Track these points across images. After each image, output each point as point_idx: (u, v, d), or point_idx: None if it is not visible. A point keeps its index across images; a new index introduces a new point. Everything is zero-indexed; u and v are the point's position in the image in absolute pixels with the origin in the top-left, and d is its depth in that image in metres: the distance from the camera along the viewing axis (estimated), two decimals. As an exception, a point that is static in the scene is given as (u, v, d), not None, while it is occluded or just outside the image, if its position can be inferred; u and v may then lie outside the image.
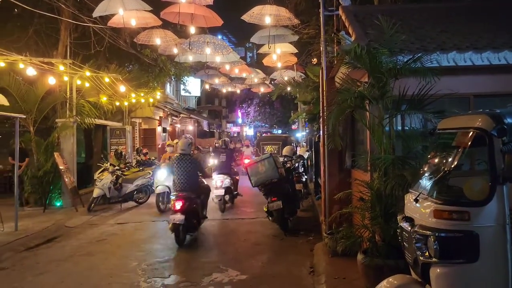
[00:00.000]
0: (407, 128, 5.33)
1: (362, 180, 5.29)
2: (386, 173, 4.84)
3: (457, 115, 3.89)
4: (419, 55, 4.95)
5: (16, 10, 13.09)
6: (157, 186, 11.33)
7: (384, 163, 4.74)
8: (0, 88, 10.59)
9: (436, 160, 3.78)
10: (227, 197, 11.15)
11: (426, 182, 3.59)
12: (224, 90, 24.41)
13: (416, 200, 3.43)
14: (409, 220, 3.49)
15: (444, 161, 3.56)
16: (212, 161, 12.78)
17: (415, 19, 6.91)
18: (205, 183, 9.17)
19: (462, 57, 5.45)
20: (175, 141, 13.98)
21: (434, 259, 3.09)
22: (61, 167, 11.21)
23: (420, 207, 3.39)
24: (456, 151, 3.39)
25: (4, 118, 12.31)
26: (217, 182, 10.94)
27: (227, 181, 11.07)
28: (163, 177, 11.24)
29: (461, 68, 5.46)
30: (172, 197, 8.08)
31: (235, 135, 44.44)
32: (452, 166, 3.34)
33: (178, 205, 7.75)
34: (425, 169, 3.84)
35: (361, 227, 5.08)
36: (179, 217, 7.61)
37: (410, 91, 4.84)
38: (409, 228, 3.40)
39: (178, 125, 26.28)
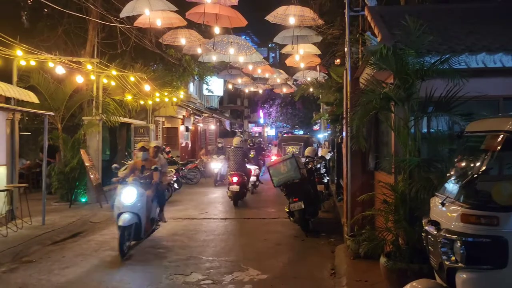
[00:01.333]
0: (433, 130, 5.24)
1: (386, 183, 5.22)
2: (411, 176, 4.78)
3: (486, 118, 3.82)
4: (447, 56, 4.85)
5: (46, 10, 13.51)
6: (120, 214, 6.98)
7: (409, 165, 4.68)
8: (30, 86, 10.89)
9: (464, 164, 3.72)
10: (257, 182, 14.85)
11: (453, 186, 3.53)
12: (246, 90, 24.55)
13: (443, 204, 3.39)
14: (435, 224, 3.45)
15: (472, 164, 3.49)
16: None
17: (443, 20, 6.77)
18: (248, 167, 13.03)
19: (491, 58, 5.31)
20: (153, 143, 9.42)
21: (460, 264, 3.04)
22: (86, 164, 11.46)
23: (446, 211, 3.34)
24: (484, 154, 3.33)
25: (33, 115, 12.69)
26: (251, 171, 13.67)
27: (257, 171, 14.82)
28: (131, 200, 7.02)
29: (490, 70, 5.33)
30: (229, 174, 11.81)
31: (256, 135, 44.55)
32: (481, 170, 3.27)
33: (235, 179, 11.51)
34: (452, 172, 3.78)
35: (384, 230, 5.02)
36: (235, 187, 11.41)
37: (437, 93, 4.76)
38: (435, 232, 3.35)
39: (201, 124, 26.50)
